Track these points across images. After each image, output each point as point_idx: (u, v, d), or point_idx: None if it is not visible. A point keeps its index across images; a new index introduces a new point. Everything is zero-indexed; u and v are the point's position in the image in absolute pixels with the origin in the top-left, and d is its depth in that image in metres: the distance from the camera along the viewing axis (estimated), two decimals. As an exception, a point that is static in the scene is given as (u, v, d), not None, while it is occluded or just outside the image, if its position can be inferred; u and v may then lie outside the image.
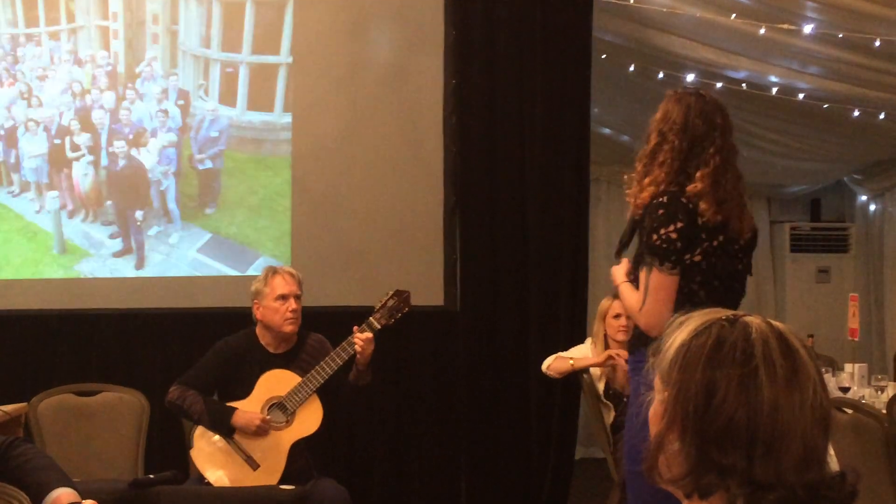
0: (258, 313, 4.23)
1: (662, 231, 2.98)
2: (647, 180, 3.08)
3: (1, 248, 5.46)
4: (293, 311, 4.19)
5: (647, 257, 3.01)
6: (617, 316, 4.98)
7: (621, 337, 4.92)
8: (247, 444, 4.10)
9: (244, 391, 4.15)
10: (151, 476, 3.83)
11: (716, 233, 3.04)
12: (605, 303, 5.10)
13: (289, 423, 4.13)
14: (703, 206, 3.00)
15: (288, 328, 4.20)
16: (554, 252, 5.60)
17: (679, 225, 2.98)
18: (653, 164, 3.09)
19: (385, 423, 5.58)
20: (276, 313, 4.18)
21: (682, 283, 3.01)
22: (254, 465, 4.08)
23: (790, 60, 6.05)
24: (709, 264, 3.04)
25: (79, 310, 5.44)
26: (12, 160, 5.48)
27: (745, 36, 5.72)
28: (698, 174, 3.03)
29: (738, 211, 3.08)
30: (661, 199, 3.01)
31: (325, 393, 4.16)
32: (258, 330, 4.27)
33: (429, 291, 5.37)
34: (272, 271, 4.29)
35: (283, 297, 4.19)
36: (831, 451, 1.43)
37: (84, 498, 2.55)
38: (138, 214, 5.51)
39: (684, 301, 2.98)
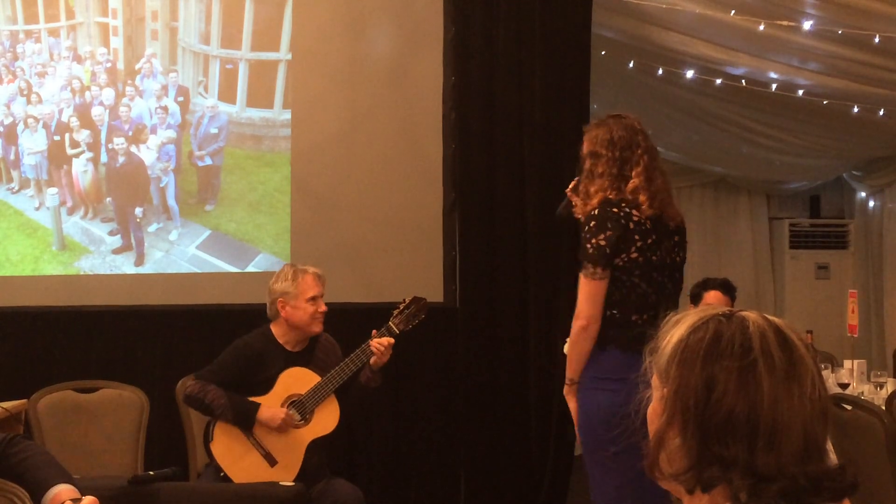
0: (284, 312, 4.21)
1: (594, 240, 3.40)
2: (592, 190, 3.49)
3: (0, 245, 5.46)
4: (322, 312, 4.23)
5: (582, 261, 3.44)
6: None
7: None
8: (266, 441, 4.13)
9: (264, 388, 4.17)
10: (151, 473, 3.84)
11: (649, 233, 3.44)
12: None
13: (307, 421, 4.16)
14: (641, 198, 3.43)
15: (316, 328, 4.23)
16: (553, 249, 5.60)
17: (609, 234, 3.39)
18: (594, 178, 3.51)
19: (384, 420, 5.59)
20: (307, 314, 4.19)
21: (624, 278, 3.42)
22: (272, 461, 4.12)
23: (790, 57, 6.05)
24: (645, 259, 3.44)
25: (78, 306, 5.44)
26: (12, 157, 5.48)
27: (744, 32, 5.72)
28: (633, 173, 3.46)
29: (668, 202, 3.52)
30: (594, 212, 3.43)
31: (338, 394, 4.20)
32: (275, 328, 4.27)
33: (428, 288, 5.36)
34: (301, 272, 4.25)
35: (314, 299, 4.20)
36: (830, 447, 1.43)
37: (84, 494, 2.55)
38: (138, 211, 5.51)
39: (629, 292, 3.43)
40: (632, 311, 3.43)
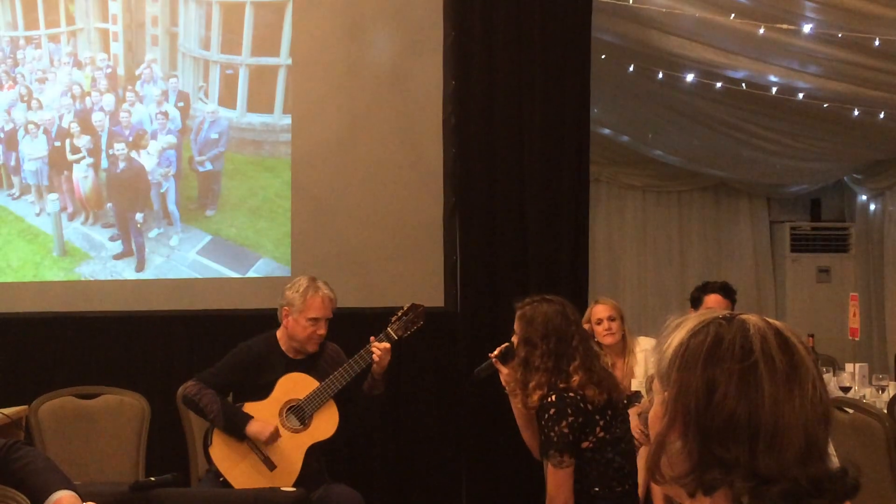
0: (286, 321, 4.22)
1: (556, 428, 3.47)
2: (531, 386, 3.56)
3: (1, 251, 5.46)
4: (321, 335, 4.21)
5: (548, 451, 3.49)
6: (599, 321, 4.99)
7: (609, 340, 4.95)
8: (264, 445, 4.12)
9: (263, 393, 4.16)
10: (152, 478, 3.83)
11: (605, 411, 3.55)
12: (589, 309, 5.09)
13: (306, 426, 4.15)
14: (589, 393, 3.51)
15: (311, 348, 4.22)
16: (553, 253, 5.60)
17: (570, 419, 3.47)
18: (530, 371, 3.58)
19: (386, 425, 5.58)
20: (304, 331, 4.18)
21: (598, 457, 3.52)
22: (271, 465, 4.11)
23: (790, 60, 6.05)
24: (612, 435, 3.55)
25: (79, 312, 5.44)
26: (12, 163, 5.49)
27: (744, 36, 5.72)
28: (572, 368, 3.54)
29: (611, 381, 3.63)
30: (550, 400, 3.50)
31: (339, 401, 4.19)
32: (280, 334, 4.27)
33: (429, 293, 5.37)
34: (313, 288, 4.22)
35: (316, 321, 4.19)
36: (832, 450, 1.43)
37: (85, 501, 2.55)
38: (138, 217, 5.51)
39: (606, 468, 3.52)
40: (613, 484, 3.53)
